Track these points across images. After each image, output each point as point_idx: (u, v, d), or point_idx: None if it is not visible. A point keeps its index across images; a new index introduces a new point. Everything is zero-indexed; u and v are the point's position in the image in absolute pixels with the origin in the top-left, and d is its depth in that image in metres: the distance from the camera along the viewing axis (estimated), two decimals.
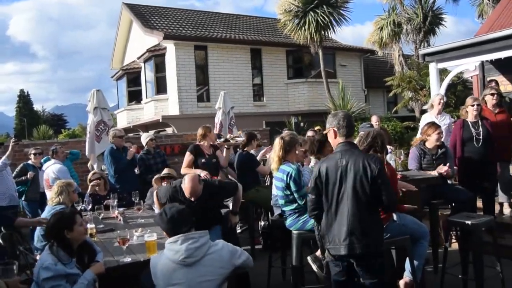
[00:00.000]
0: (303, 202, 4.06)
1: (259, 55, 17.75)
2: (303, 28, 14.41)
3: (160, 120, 16.03)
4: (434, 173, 4.96)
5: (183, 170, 5.76)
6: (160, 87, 16.74)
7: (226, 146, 6.28)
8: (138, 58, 17.79)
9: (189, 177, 4.25)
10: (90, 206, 4.99)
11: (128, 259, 3.25)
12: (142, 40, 17.89)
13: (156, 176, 5.80)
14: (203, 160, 5.84)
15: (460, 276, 4.34)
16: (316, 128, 7.92)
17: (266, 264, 4.74)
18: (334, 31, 14.84)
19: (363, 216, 2.99)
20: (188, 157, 5.88)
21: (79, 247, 3.07)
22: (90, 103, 7.78)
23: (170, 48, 15.97)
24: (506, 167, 5.93)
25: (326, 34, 14.78)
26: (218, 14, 21.12)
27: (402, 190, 4.22)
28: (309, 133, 7.23)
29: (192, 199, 4.26)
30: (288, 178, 4.07)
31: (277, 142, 4.35)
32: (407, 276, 3.87)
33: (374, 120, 8.90)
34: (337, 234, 3.04)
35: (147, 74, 17.68)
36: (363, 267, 3.07)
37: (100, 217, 4.81)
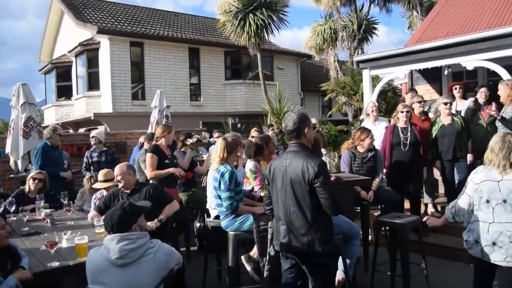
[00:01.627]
0: (227, 204, 4.09)
1: (197, 54, 17.58)
2: (242, 30, 14.47)
3: (92, 118, 15.38)
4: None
5: (151, 174, 5.31)
6: (93, 83, 16.05)
7: (191, 147, 6.03)
8: (69, 51, 16.93)
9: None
10: (13, 208, 4.65)
11: (56, 264, 3.06)
12: (74, 33, 17.05)
13: (87, 176, 5.52)
14: (166, 161, 5.47)
15: (388, 273, 4.57)
16: (253, 130, 7.96)
17: (201, 265, 4.70)
18: (273, 34, 15.07)
19: (302, 215, 3.03)
20: (151, 158, 5.31)
21: (1, 251, 2.85)
22: (15, 97, 7.29)
23: (104, 43, 15.37)
24: (431, 170, 6.33)
25: (265, 36, 14.95)
26: (156, 11, 20.66)
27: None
28: (254, 134, 7.27)
29: (120, 185, 4.24)
30: (220, 178, 4.11)
31: (220, 142, 4.35)
32: (339, 275, 4.00)
33: (312, 122, 9.11)
34: (279, 230, 3.16)
35: (79, 69, 16.88)
36: (307, 265, 3.12)
37: (25, 220, 4.50)
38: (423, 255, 4.38)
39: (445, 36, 7.61)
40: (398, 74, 7.62)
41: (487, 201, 3.12)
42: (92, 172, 6.73)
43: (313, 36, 17.67)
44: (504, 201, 3.04)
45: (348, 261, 3.96)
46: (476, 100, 6.23)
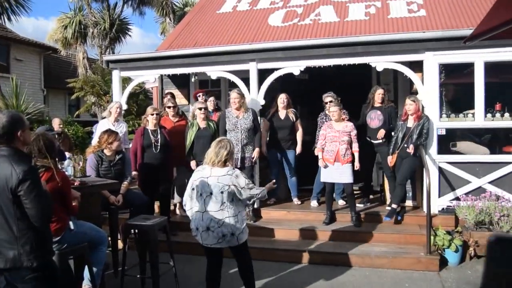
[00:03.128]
0: None
1: None
2: None
3: None
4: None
5: None
6: None
7: None
8: None
9: None
10: None
11: None
12: None
13: None
14: None
15: (138, 276, 4.54)
16: None
17: None
18: (9, 19, 13.21)
19: (7, 227, 2.70)
20: None
21: None
22: None
23: None
24: (183, 171, 6.62)
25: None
26: None
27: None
28: None
29: None
30: None
31: None
32: (86, 284, 3.79)
33: (56, 123, 8.40)
34: None
35: None
36: (18, 283, 2.77)
37: None
38: (172, 254, 4.52)
39: (193, 46, 8.07)
40: (148, 78, 7.71)
41: (201, 194, 3.81)
42: None
43: (60, 28, 16.35)
44: (211, 193, 3.75)
45: (95, 269, 3.78)
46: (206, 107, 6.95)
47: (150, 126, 5.85)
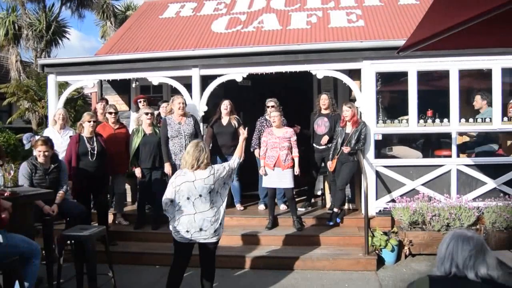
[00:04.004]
0: None
1: None
2: None
3: None
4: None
5: None
6: None
7: None
8: None
9: None
10: None
11: None
12: None
13: None
14: None
15: None
16: None
17: None
18: None
19: None
20: None
21: None
22: None
23: None
24: (121, 179, 6.43)
25: None
26: None
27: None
28: None
29: None
30: None
31: None
32: None
33: None
34: None
35: None
36: None
37: None
38: (111, 265, 4.38)
39: (134, 51, 7.89)
40: (87, 83, 7.42)
41: (188, 198, 3.85)
42: None
43: None
44: (200, 195, 3.83)
45: (26, 283, 3.57)
46: (159, 114, 6.81)
47: (86, 134, 5.63)
